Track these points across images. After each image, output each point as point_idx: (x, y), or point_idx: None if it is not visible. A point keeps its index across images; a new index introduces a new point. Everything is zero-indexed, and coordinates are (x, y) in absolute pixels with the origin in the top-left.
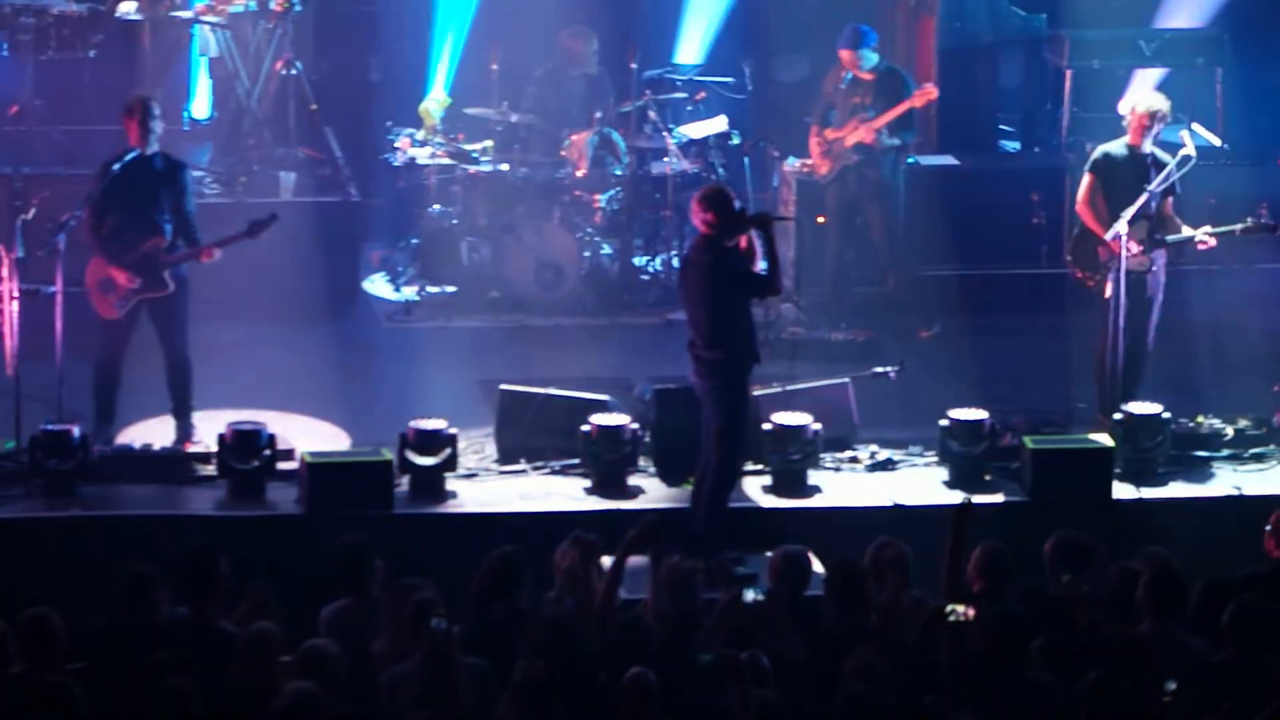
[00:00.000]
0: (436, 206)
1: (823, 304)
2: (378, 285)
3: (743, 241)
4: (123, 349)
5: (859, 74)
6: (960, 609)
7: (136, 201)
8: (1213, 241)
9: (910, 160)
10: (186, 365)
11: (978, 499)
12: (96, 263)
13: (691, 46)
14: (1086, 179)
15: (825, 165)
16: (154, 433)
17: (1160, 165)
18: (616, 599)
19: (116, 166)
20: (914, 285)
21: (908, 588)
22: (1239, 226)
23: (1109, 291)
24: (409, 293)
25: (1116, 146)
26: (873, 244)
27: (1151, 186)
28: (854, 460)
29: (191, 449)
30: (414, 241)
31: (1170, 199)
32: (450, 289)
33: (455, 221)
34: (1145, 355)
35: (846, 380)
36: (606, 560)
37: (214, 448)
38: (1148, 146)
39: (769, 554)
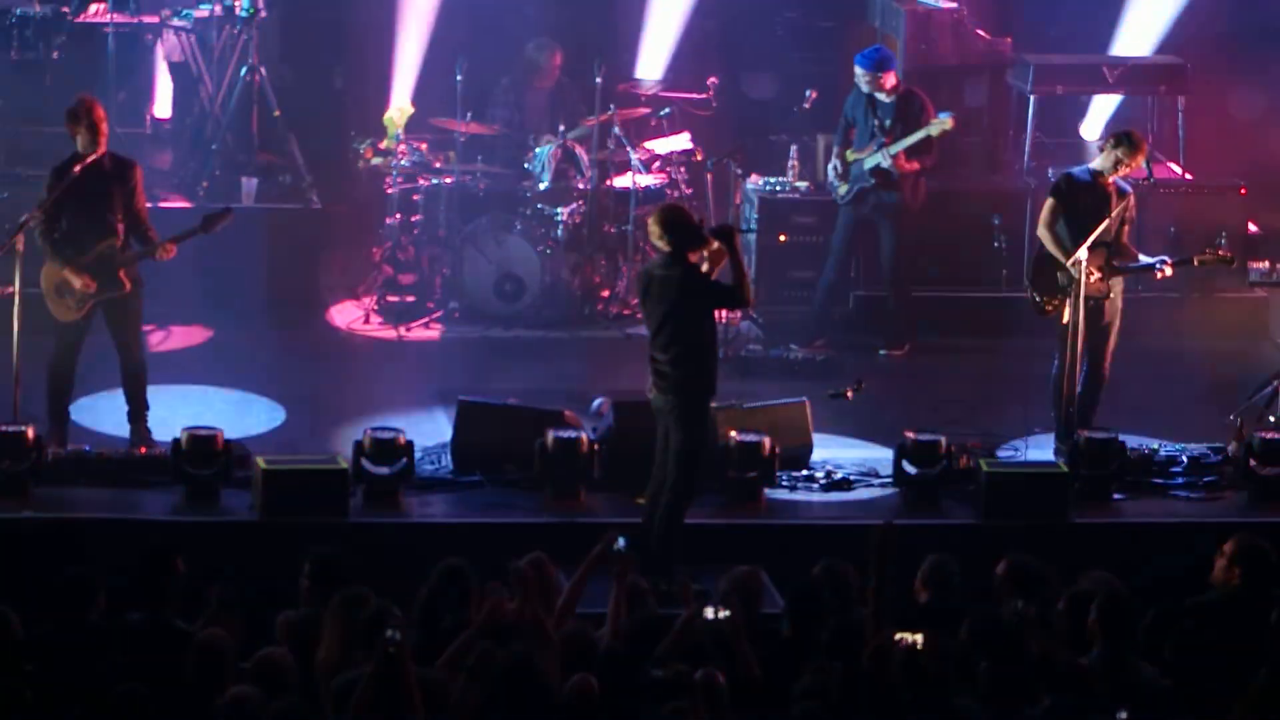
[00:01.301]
0: (397, 216)
1: (795, 319)
2: (337, 295)
3: (695, 258)
4: (77, 351)
5: (881, 97)
6: (910, 636)
7: (88, 203)
8: (1169, 271)
9: None
10: (142, 367)
11: (901, 521)
12: (50, 266)
13: (654, 61)
14: (1049, 203)
15: (842, 186)
16: (99, 409)
17: (1122, 193)
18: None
19: (78, 169)
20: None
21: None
22: (1197, 258)
23: (1067, 317)
24: (367, 303)
25: (1080, 172)
26: (855, 265)
27: (1114, 214)
28: (810, 479)
29: (146, 453)
30: (373, 250)
31: (1127, 227)
32: (410, 299)
33: (416, 231)
34: (1102, 381)
35: (804, 399)
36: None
37: (169, 452)
38: (1111, 175)
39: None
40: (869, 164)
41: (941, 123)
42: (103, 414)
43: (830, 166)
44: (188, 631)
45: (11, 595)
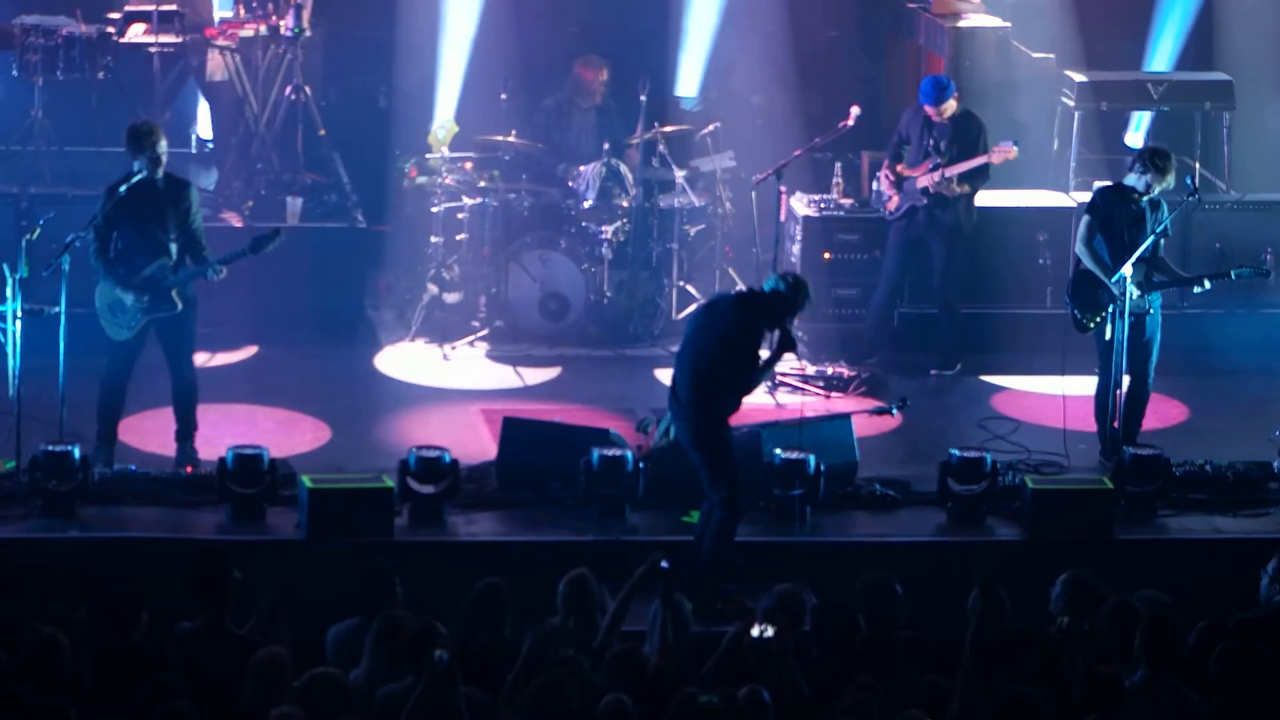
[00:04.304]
0: (442, 234)
1: (848, 336)
2: (383, 314)
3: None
4: (129, 371)
5: (938, 120)
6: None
7: (142, 222)
8: (1208, 285)
9: None
10: (193, 386)
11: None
12: (104, 285)
13: (696, 78)
14: (1085, 220)
15: (894, 201)
16: (145, 428)
17: (1156, 207)
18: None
19: (123, 189)
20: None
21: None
22: (1234, 271)
23: (1109, 334)
24: (413, 321)
25: (1114, 187)
26: (903, 284)
27: (1157, 230)
28: (855, 496)
29: (193, 472)
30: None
31: (1161, 241)
32: (455, 317)
33: (461, 250)
34: (1145, 397)
35: (849, 415)
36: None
37: (215, 470)
38: (1146, 189)
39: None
40: (920, 184)
41: (1005, 151)
42: (149, 433)
43: (882, 177)
44: (244, 638)
45: (58, 615)
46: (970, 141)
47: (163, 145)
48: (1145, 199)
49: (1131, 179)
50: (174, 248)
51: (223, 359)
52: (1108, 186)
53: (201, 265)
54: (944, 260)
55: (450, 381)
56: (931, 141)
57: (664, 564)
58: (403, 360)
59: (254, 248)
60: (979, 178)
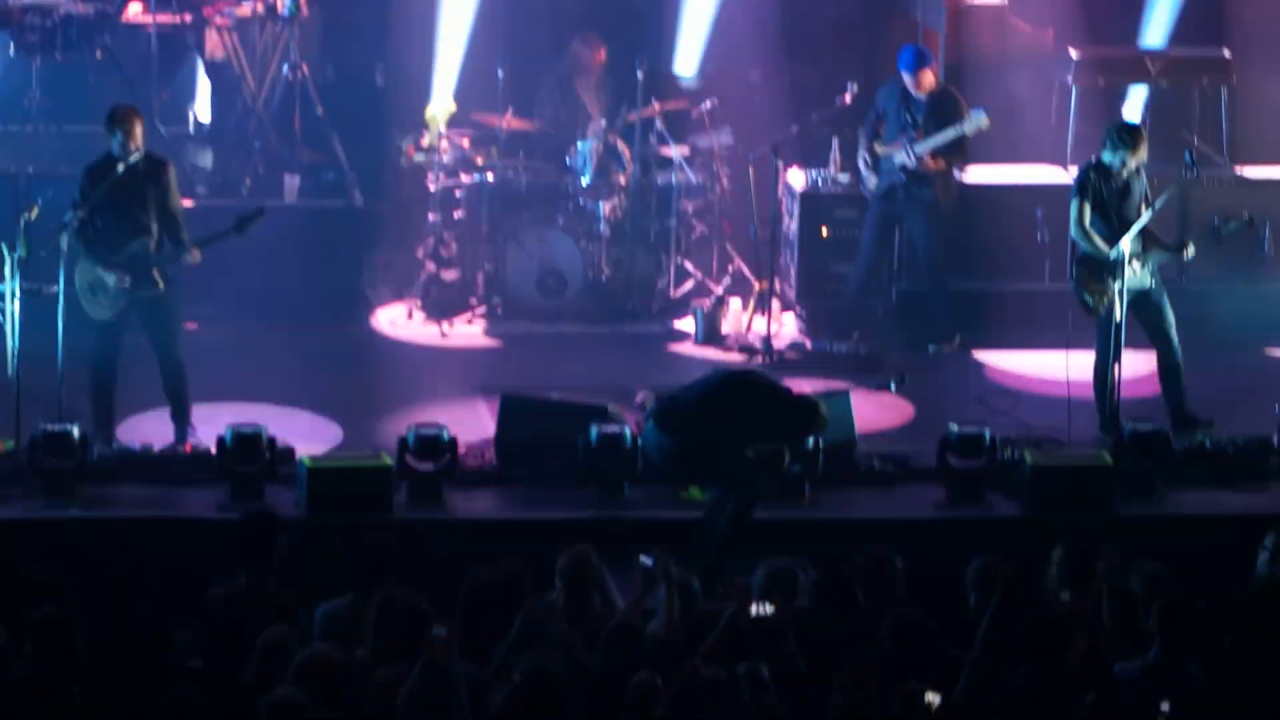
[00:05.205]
0: (439, 212)
1: (832, 314)
2: (381, 292)
3: None
4: (116, 349)
5: (916, 93)
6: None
7: (122, 202)
8: (1191, 251)
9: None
10: (180, 367)
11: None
12: (84, 265)
13: (693, 55)
14: (1076, 203)
15: (873, 179)
16: (150, 429)
17: (1139, 176)
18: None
19: (121, 168)
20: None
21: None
22: (1221, 228)
23: (1119, 313)
24: (410, 299)
25: (1095, 165)
26: (892, 259)
27: (1157, 204)
28: (854, 471)
29: (192, 450)
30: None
31: (1144, 205)
32: (452, 295)
33: (458, 228)
34: (1178, 364)
35: (847, 391)
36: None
37: (213, 449)
38: (1123, 164)
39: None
40: (898, 159)
41: (976, 121)
42: (151, 434)
43: (860, 158)
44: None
45: (58, 594)
46: (947, 117)
47: (140, 128)
48: (1125, 170)
49: (1107, 156)
50: (155, 227)
51: (221, 338)
52: (1088, 166)
53: (178, 249)
54: (925, 237)
55: (448, 359)
56: (909, 117)
57: (644, 561)
58: (400, 338)
59: (238, 227)
60: (956, 152)
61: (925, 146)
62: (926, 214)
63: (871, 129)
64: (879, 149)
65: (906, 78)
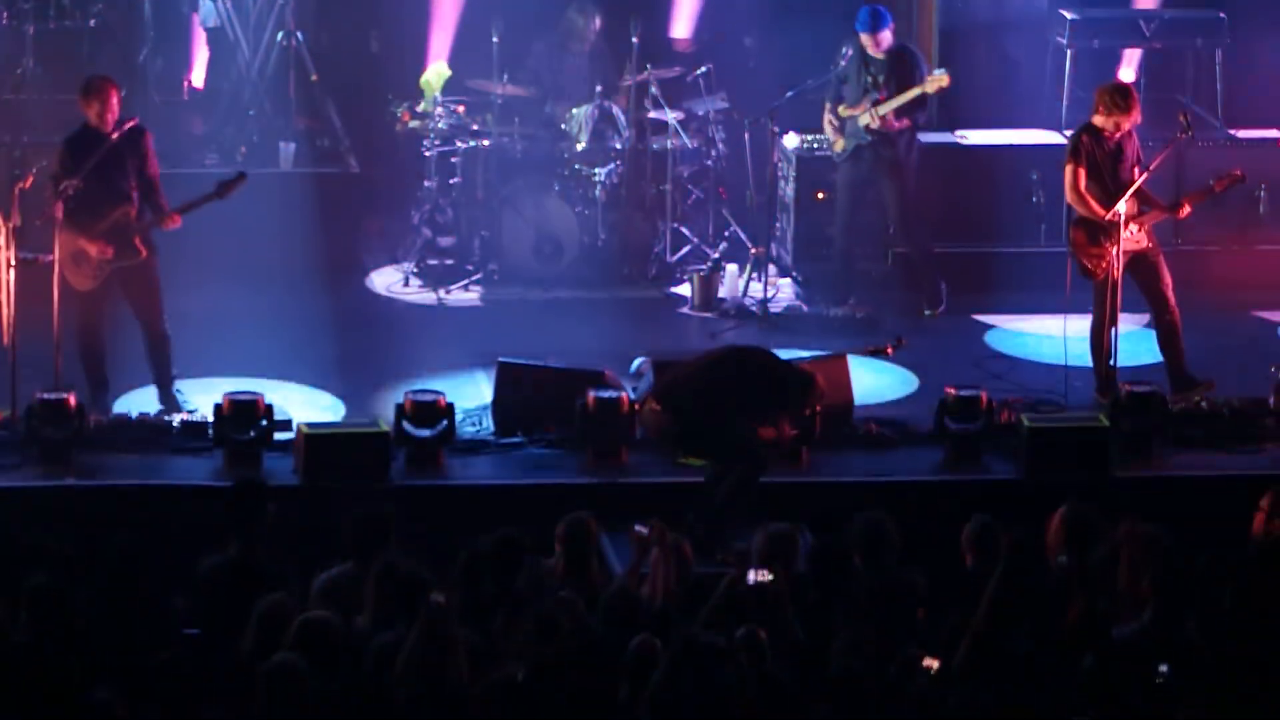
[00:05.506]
0: (435, 179)
1: (827, 279)
2: (377, 256)
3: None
4: (101, 317)
5: (874, 54)
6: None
7: (102, 171)
8: (1189, 209)
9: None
10: (164, 336)
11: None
12: (66, 235)
13: (688, 20)
14: (1070, 167)
15: (839, 142)
16: (148, 403)
17: (1130, 138)
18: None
19: (116, 136)
20: (917, 265)
21: (894, 561)
22: (1215, 183)
23: (1117, 274)
24: (406, 266)
25: (1087, 129)
26: (880, 221)
27: (1153, 166)
28: (851, 435)
29: (189, 418)
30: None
31: (1137, 168)
32: (449, 261)
33: (454, 194)
34: (1177, 325)
35: (844, 354)
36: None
37: (210, 417)
38: (1116, 132)
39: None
40: (862, 121)
41: (937, 79)
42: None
43: (825, 122)
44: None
45: (56, 563)
46: (906, 75)
47: (116, 98)
48: (1118, 133)
49: (1099, 119)
50: (135, 195)
51: (216, 305)
52: (1080, 129)
53: (159, 216)
54: (897, 198)
55: (445, 326)
56: (870, 78)
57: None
58: (396, 305)
59: (219, 191)
60: (917, 109)
61: (888, 107)
62: (894, 174)
63: (836, 93)
64: (843, 111)
65: (864, 38)
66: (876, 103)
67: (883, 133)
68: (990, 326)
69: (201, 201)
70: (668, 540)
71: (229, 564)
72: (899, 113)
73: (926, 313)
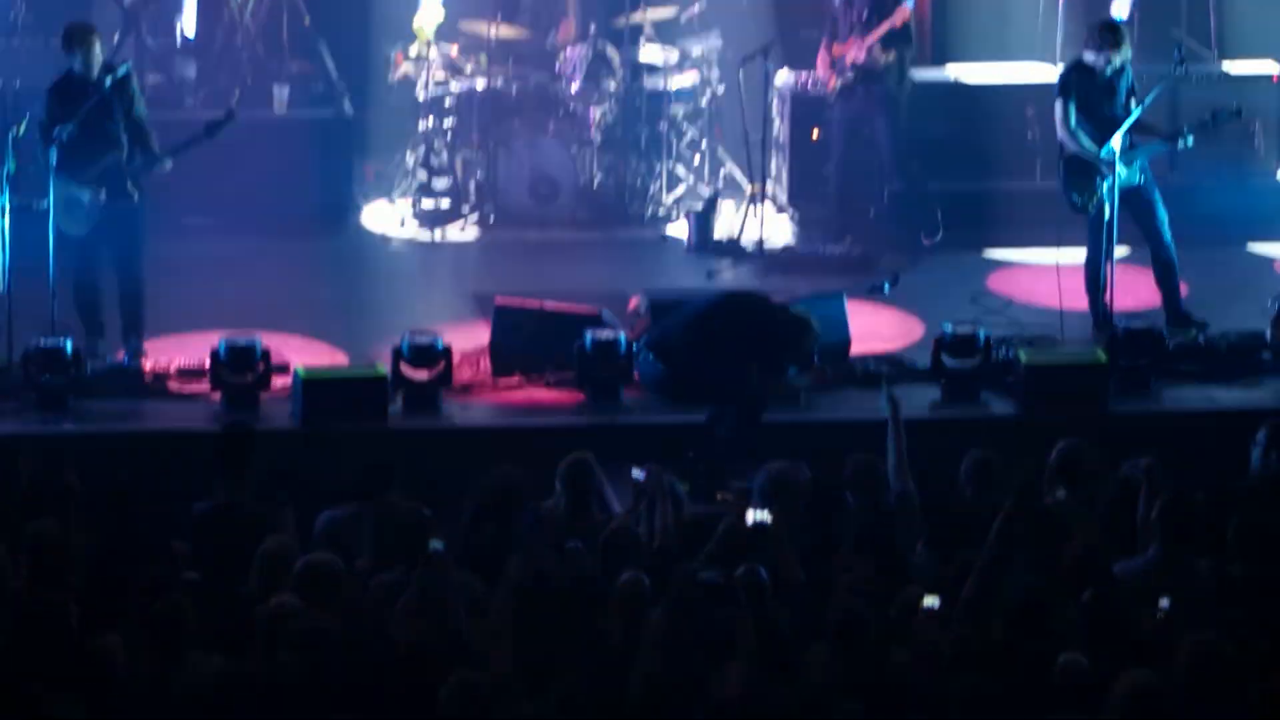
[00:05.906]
0: (430, 121)
1: (824, 218)
2: (372, 199)
3: None
4: (95, 261)
5: None
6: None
7: (90, 116)
8: (1191, 140)
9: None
10: (140, 282)
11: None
12: (57, 183)
13: None
14: (1060, 104)
15: (833, 80)
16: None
17: (1122, 73)
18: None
19: (109, 81)
20: (912, 199)
21: (884, 497)
22: (1213, 114)
23: (1107, 212)
24: (403, 206)
25: (1079, 64)
26: (875, 159)
27: (1147, 100)
28: (848, 373)
29: (188, 363)
30: (408, 155)
31: (1132, 99)
32: (444, 203)
33: (449, 136)
34: (1174, 262)
35: (841, 292)
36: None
37: (208, 362)
38: (1107, 63)
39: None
40: (850, 57)
41: (902, 13)
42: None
43: (818, 61)
44: (264, 516)
45: (54, 509)
46: (888, 9)
47: (98, 44)
48: (1109, 69)
49: (1090, 57)
50: (125, 139)
51: (210, 248)
52: (1071, 66)
53: (150, 158)
54: (888, 133)
55: (441, 268)
56: (855, 15)
57: (636, 474)
58: (392, 247)
59: (208, 132)
60: (901, 43)
61: (869, 40)
62: (886, 109)
63: (832, 30)
64: (835, 49)
65: None
66: (863, 39)
67: (869, 69)
68: (987, 262)
69: (191, 143)
70: (664, 484)
71: (218, 509)
72: (884, 46)
73: (926, 241)
